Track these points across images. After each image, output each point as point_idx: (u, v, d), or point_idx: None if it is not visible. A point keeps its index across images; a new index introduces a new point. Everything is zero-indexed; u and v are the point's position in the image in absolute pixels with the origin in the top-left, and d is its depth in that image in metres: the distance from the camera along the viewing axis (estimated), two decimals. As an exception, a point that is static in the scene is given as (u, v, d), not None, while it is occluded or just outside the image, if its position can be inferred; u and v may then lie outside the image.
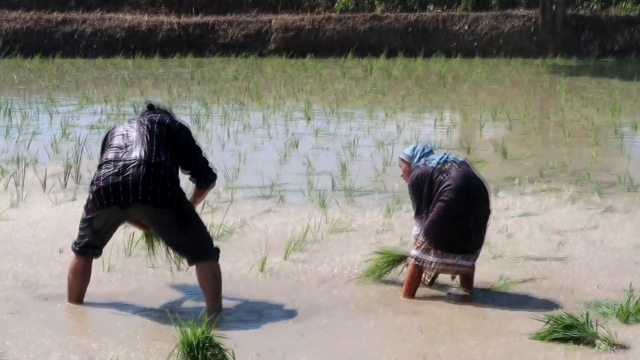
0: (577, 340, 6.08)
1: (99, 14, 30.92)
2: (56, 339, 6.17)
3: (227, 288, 7.32)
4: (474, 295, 7.17)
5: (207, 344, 5.43)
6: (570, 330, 6.11)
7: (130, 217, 6.75)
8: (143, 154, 6.51)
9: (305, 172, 11.80)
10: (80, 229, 6.76)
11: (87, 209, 6.66)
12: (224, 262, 7.95)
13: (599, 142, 14.03)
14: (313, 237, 8.72)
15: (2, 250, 8.31)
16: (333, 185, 11.00)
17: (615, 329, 6.23)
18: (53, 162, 12.22)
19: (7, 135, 14.45)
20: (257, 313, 6.78)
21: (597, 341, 6.04)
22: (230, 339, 5.78)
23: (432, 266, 6.99)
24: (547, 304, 6.90)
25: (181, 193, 6.59)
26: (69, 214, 9.51)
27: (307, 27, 30.37)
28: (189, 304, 6.91)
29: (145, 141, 6.60)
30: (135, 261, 7.91)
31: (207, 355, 5.42)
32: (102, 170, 6.55)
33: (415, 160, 7.31)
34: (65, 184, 11.02)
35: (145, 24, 30.40)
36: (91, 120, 16.05)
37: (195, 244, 6.65)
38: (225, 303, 6.94)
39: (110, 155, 6.62)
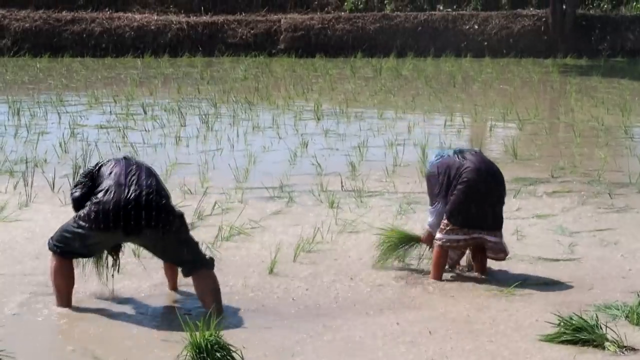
0: (587, 342, 6.07)
1: (108, 13, 30.86)
2: (62, 341, 6.17)
3: (236, 289, 7.33)
4: (484, 297, 7.15)
5: (216, 346, 5.43)
6: (580, 332, 6.11)
7: (126, 241, 6.88)
8: (143, 184, 6.63)
9: (314, 172, 11.76)
10: (66, 236, 6.70)
11: (84, 226, 6.60)
12: (233, 263, 7.98)
13: (609, 143, 13.97)
14: (322, 239, 8.69)
15: (11, 251, 8.31)
16: (342, 186, 10.96)
17: (625, 331, 6.21)
18: (62, 163, 12.21)
19: (16, 135, 14.41)
20: (266, 314, 6.77)
21: (607, 343, 6.03)
22: (239, 339, 5.78)
23: (460, 243, 7.46)
24: (558, 306, 6.86)
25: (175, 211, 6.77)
26: (78, 214, 9.50)
27: (316, 26, 30.29)
28: (198, 305, 6.89)
29: (139, 174, 6.72)
30: (143, 262, 7.90)
31: (216, 356, 5.42)
32: (107, 195, 6.55)
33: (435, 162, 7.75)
34: (75, 185, 10.99)
35: (155, 24, 30.34)
36: (100, 120, 16.02)
37: (193, 256, 6.78)
38: (235, 304, 6.94)
39: (111, 181, 6.63)
